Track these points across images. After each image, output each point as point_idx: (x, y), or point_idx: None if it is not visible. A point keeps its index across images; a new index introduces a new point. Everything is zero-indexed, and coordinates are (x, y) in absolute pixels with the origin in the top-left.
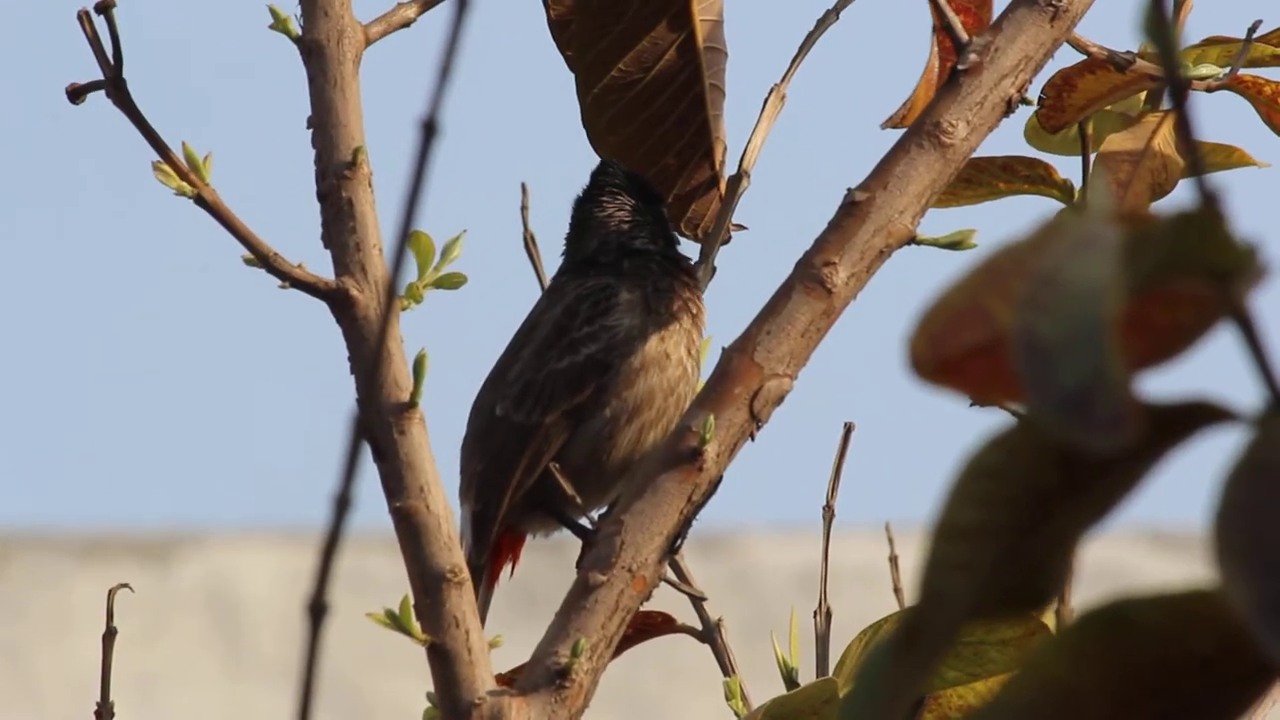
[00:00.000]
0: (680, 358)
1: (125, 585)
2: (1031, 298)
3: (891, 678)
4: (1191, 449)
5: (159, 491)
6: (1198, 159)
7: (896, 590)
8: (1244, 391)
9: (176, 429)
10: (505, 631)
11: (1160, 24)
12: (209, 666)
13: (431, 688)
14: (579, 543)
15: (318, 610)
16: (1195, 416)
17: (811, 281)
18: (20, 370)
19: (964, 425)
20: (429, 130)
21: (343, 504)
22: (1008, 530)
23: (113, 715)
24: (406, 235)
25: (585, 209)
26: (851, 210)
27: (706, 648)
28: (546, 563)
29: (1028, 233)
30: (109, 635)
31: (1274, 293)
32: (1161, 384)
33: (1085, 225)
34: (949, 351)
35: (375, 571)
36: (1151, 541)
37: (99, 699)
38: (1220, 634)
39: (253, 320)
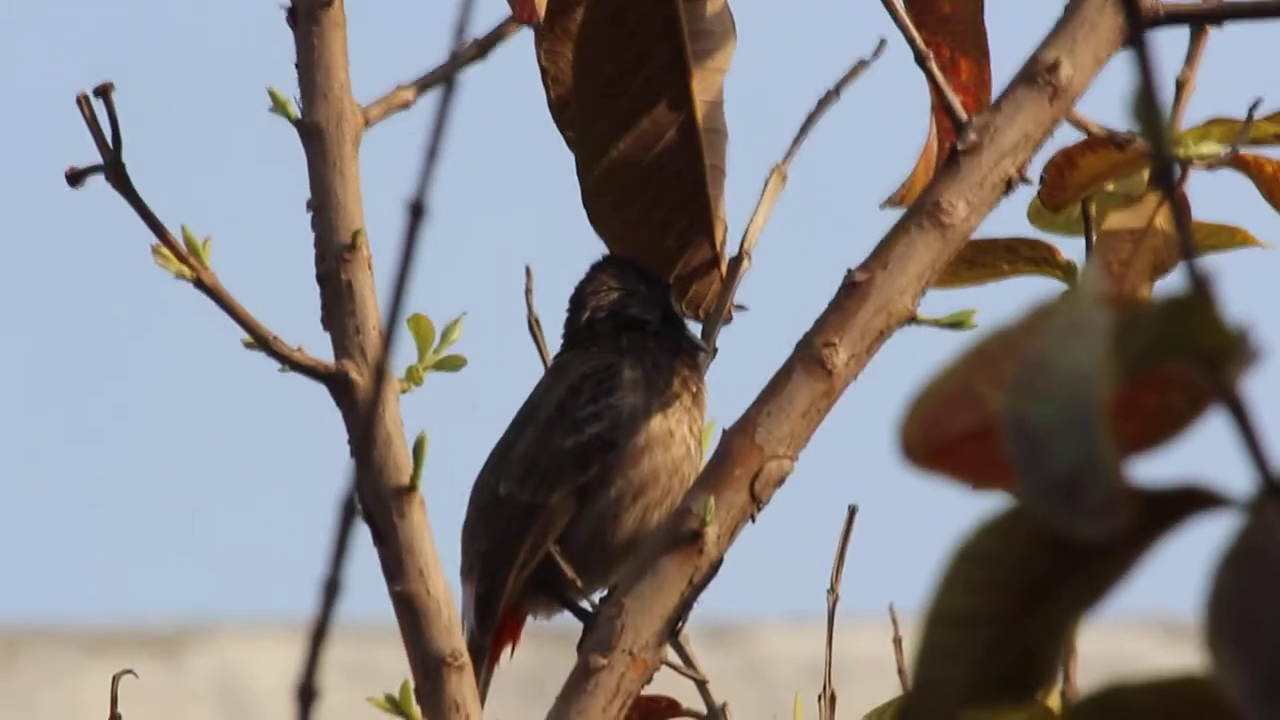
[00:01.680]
0: (683, 436)
1: (129, 671)
2: (1022, 382)
3: None
4: (1188, 536)
5: (169, 584)
6: (1189, 242)
7: (900, 672)
8: (1236, 476)
9: (186, 520)
10: None
11: (1149, 110)
12: None
13: None
14: None
15: (307, 695)
16: (1187, 502)
17: (812, 362)
18: (26, 465)
19: (973, 508)
20: (417, 212)
21: (332, 588)
22: (1000, 616)
23: None
24: (395, 316)
25: (579, 289)
26: (852, 290)
27: None
28: (556, 652)
29: (1019, 317)
30: None
31: (1266, 376)
32: (1153, 469)
33: (1076, 309)
34: (940, 437)
35: (384, 664)
36: (1162, 632)
37: None
38: (1214, 719)
39: (258, 406)
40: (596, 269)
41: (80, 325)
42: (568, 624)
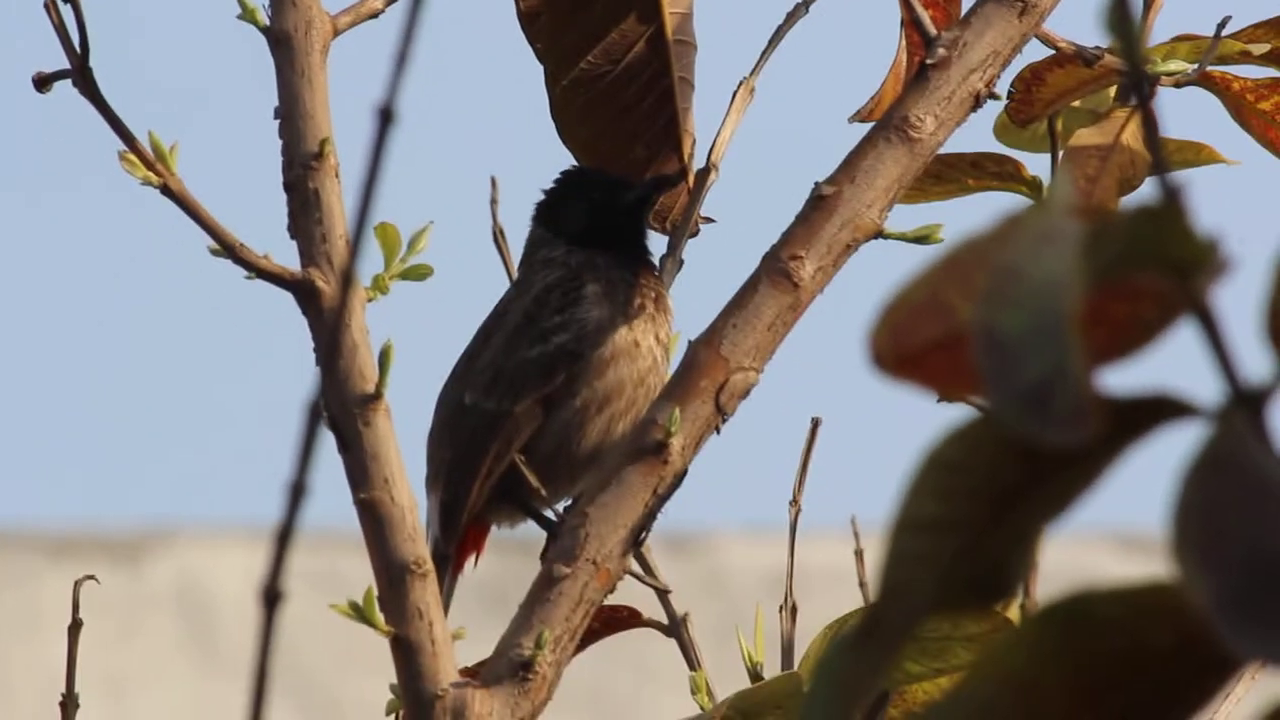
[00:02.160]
0: (650, 346)
1: (92, 577)
2: (992, 292)
3: (850, 672)
4: (1154, 447)
5: (130, 490)
6: (1160, 155)
7: (862, 584)
8: (1204, 386)
9: (148, 426)
10: (477, 630)
11: (1123, 21)
12: (180, 666)
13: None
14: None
15: (271, 597)
16: (1155, 411)
17: (778, 275)
18: None
19: (935, 420)
20: (386, 118)
21: (298, 492)
22: (968, 524)
23: (78, 707)
24: (363, 223)
25: (537, 209)
26: (819, 204)
27: (679, 650)
28: (518, 562)
29: (989, 227)
30: (74, 628)
31: (1235, 287)
32: (1122, 378)
33: (1046, 219)
34: (910, 346)
35: (349, 572)
36: (1120, 545)
37: (64, 692)
38: (1179, 628)
39: (224, 313)
40: (568, 173)
41: (44, 231)
42: (530, 534)
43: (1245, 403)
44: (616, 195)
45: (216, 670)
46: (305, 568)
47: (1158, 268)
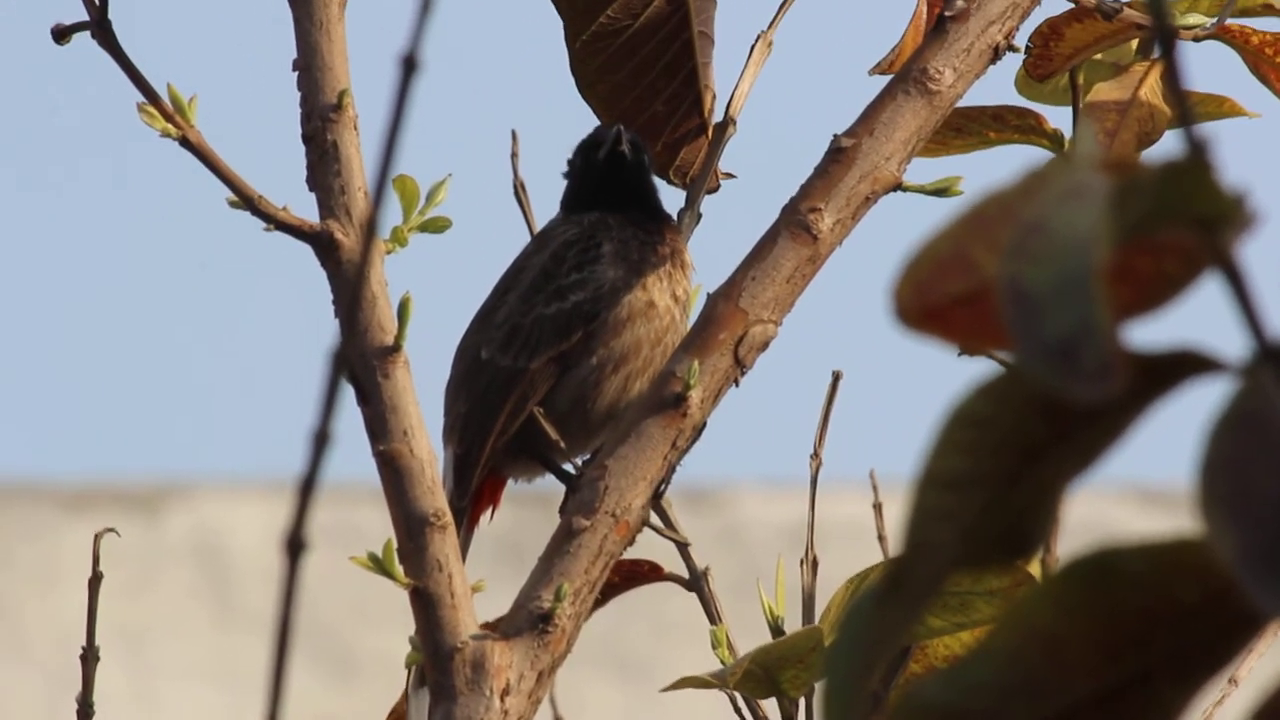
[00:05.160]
0: (667, 306)
1: (112, 530)
2: (1018, 246)
3: (875, 627)
4: (1178, 401)
5: (148, 442)
6: (1185, 108)
7: (881, 538)
8: (1230, 341)
9: (166, 379)
10: (492, 584)
11: None
12: (197, 618)
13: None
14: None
15: (295, 546)
16: (1182, 366)
17: (797, 227)
18: (5, 321)
19: (954, 375)
20: (409, 66)
21: (321, 440)
22: (993, 479)
23: (98, 660)
24: (386, 173)
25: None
26: (837, 156)
27: (697, 604)
28: (534, 516)
29: (1015, 181)
30: (95, 580)
31: (1261, 242)
32: (1148, 334)
33: (1073, 174)
34: (934, 300)
35: (363, 524)
36: (1139, 499)
37: (84, 644)
38: (1205, 584)
39: (243, 266)
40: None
41: (64, 184)
42: (544, 487)
43: (1272, 358)
44: (589, 157)
45: (233, 623)
46: (319, 521)
47: (1184, 223)
